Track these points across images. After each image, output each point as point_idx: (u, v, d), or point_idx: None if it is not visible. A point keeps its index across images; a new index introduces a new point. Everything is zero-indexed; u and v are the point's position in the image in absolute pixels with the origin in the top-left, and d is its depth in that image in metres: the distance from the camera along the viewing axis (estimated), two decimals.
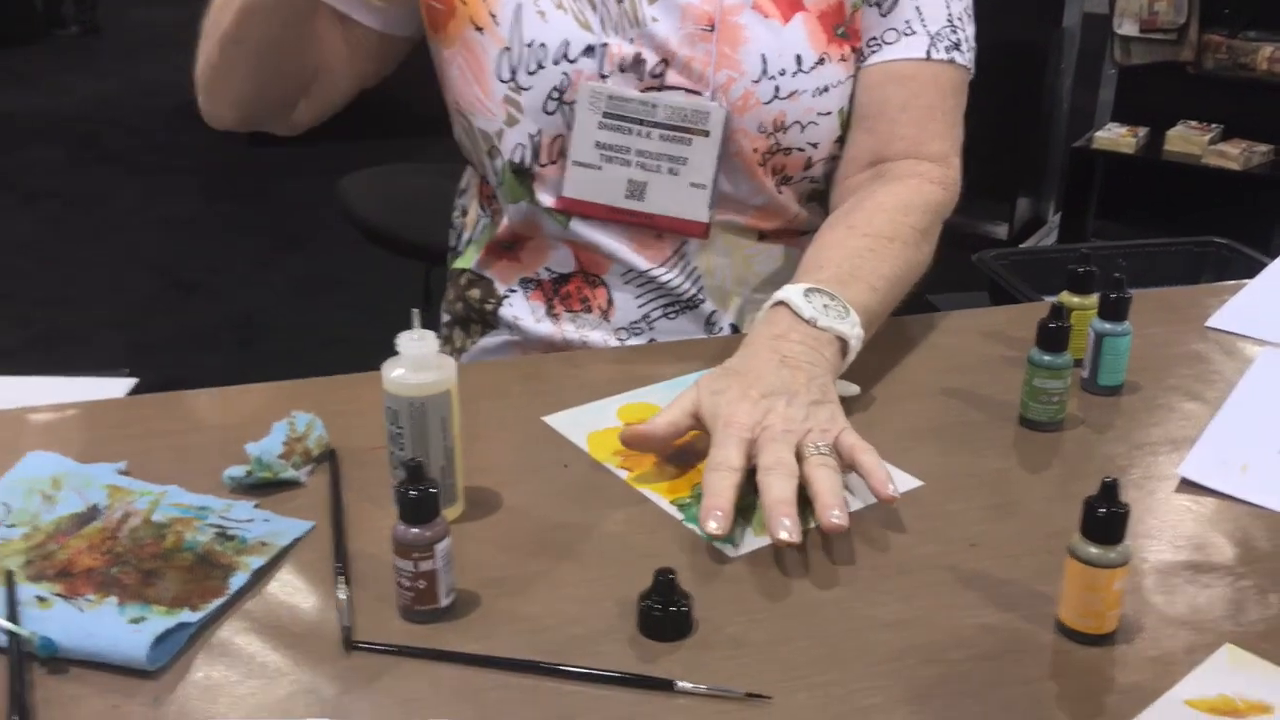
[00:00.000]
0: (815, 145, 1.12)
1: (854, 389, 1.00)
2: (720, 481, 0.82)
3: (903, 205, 1.09)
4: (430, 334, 0.81)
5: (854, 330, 0.96)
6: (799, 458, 0.84)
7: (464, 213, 1.26)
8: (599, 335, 1.16)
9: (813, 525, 0.83)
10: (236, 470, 0.86)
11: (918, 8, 1.12)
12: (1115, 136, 3.64)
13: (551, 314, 1.17)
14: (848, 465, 0.86)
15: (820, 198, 1.18)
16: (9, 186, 4.77)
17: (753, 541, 0.82)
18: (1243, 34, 3.48)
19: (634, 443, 0.90)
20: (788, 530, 0.78)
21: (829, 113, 1.11)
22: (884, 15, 1.12)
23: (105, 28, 7.19)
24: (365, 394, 0.98)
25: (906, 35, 1.12)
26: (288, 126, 1.18)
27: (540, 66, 1.08)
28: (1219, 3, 3.47)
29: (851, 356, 0.97)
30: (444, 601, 0.74)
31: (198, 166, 4.87)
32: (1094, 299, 1.02)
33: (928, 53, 1.12)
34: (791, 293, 0.96)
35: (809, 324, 0.94)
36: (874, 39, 1.12)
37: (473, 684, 0.69)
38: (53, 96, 5.60)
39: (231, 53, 1.07)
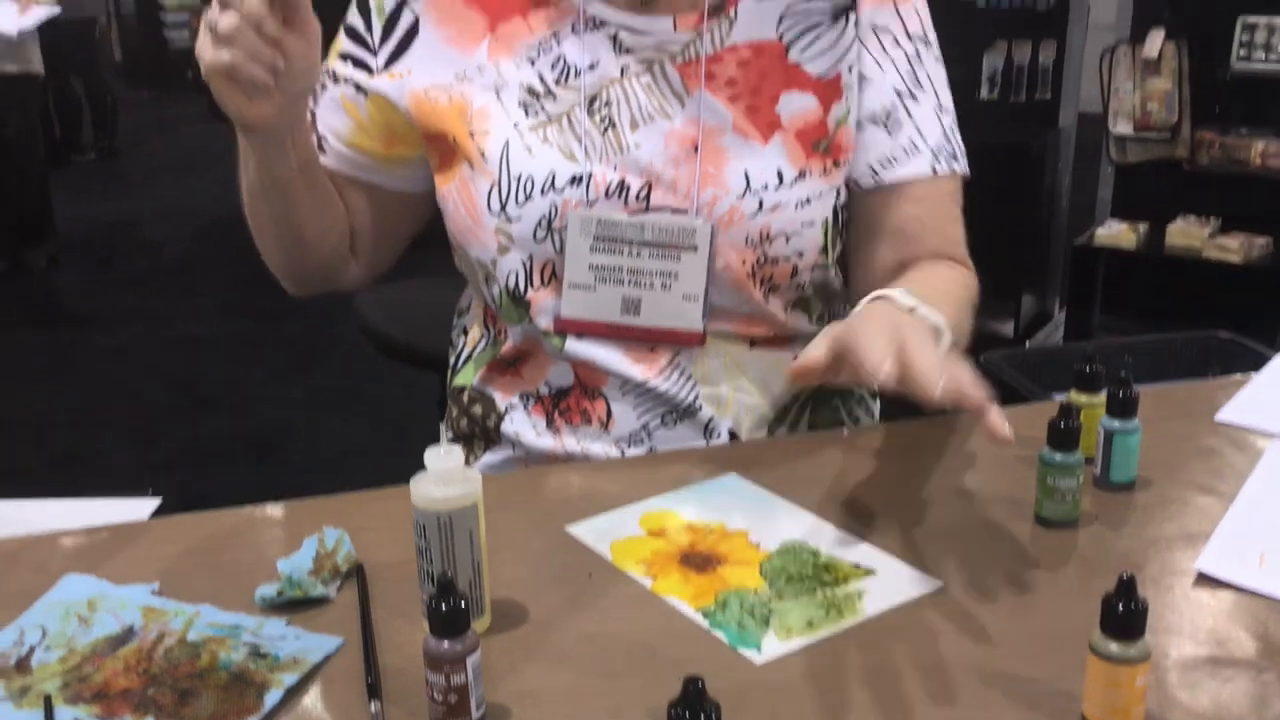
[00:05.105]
0: (801, 255, 1.15)
1: None
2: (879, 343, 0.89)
3: (949, 275, 1.18)
4: (456, 448, 0.83)
5: (945, 324, 1.01)
6: None
7: (464, 332, 1.29)
8: (600, 447, 1.17)
9: (835, 630, 0.84)
10: (268, 589, 0.88)
11: (917, 128, 1.17)
12: (1116, 233, 3.69)
13: (552, 428, 1.19)
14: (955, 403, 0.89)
15: (805, 305, 1.21)
16: (26, 309, 4.85)
17: (778, 648, 0.83)
18: (1235, 131, 3.55)
19: (801, 376, 0.94)
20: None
21: (813, 223, 1.14)
22: (890, 135, 1.17)
23: (123, 153, 7.36)
24: (390, 509, 1.00)
25: (911, 154, 1.17)
26: (348, 284, 1.26)
27: (528, 198, 1.12)
28: (1209, 101, 3.55)
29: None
30: (475, 715, 0.74)
31: (214, 287, 4.95)
32: (1102, 397, 1.04)
33: (933, 169, 1.18)
34: (888, 291, 1.02)
35: (910, 312, 0.99)
36: (887, 158, 1.17)
37: None
38: (71, 220, 5.72)
39: (253, 227, 1.18)
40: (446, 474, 0.82)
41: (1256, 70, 3.45)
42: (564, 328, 1.15)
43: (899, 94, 1.17)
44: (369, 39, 1.18)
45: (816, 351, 0.93)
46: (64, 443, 3.56)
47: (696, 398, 1.16)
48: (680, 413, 1.16)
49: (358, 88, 1.18)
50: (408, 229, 1.27)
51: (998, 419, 0.87)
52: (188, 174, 6.64)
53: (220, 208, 5.92)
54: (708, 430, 1.17)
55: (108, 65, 8.28)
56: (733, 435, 1.18)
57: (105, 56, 8.32)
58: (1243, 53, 3.45)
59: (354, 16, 1.19)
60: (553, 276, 1.14)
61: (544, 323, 1.16)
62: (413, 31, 1.16)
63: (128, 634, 0.84)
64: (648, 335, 1.15)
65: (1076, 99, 3.91)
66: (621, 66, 1.13)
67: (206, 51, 0.96)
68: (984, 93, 3.89)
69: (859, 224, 1.20)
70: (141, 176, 6.94)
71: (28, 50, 4.97)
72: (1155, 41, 3.51)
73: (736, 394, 1.18)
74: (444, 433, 1.31)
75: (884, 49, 1.16)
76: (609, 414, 1.16)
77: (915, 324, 0.96)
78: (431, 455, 0.82)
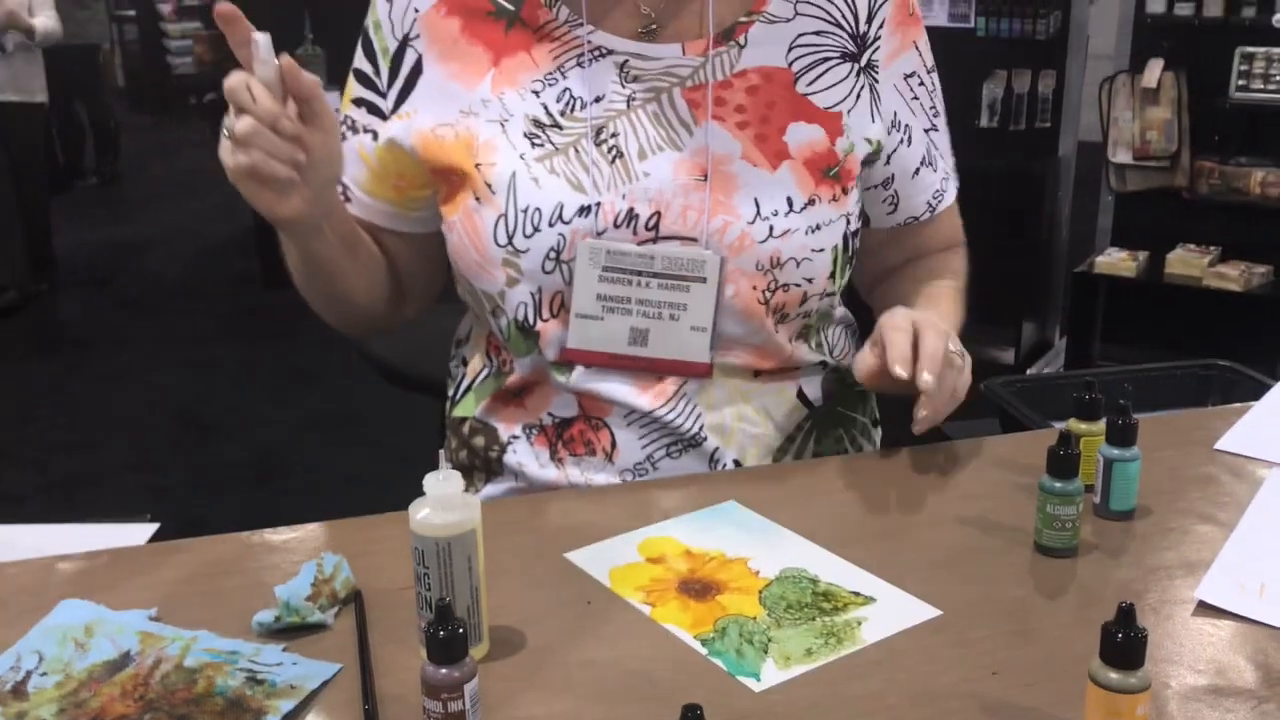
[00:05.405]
0: (811, 281, 1.15)
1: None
2: (902, 340, 1.07)
3: (945, 270, 1.32)
4: (456, 474, 0.83)
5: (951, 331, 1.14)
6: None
7: (464, 362, 1.28)
8: (603, 478, 1.17)
9: (834, 658, 0.84)
10: (265, 615, 0.88)
11: (940, 155, 1.28)
12: (1116, 260, 3.70)
13: (555, 459, 1.18)
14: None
15: (807, 334, 1.21)
16: (26, 333, 4.86)
17: (777, 675, 0.83)
18: (1234, 160, 3.57)
19: (870, 381, 1.11)
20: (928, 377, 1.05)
21: (822, 249, 1.15)
22: (936, 171, 1.27)
23: (125, 177, 7.38)
24: (390, 535, 1.00)
25: (948, 182, 1.30)
26: (403, 319, 1.30)
27: (536, 230, 1.11)
28: (1208, 131, 3.57)
29: None
30: None
31: (214, 309, 4.96)
32: (1102, 425, 1.04)
33: (956, 189, 1.32)
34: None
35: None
36: (938, 191, 1.28)
37: None
38: (72, 244, 5.74)
39: (305, 296, 1.21)
40: (445, 500, 0.82)
41: (1255, 100, 3.47)
42: (570, 358, 1.14)
43: (927, 131, 1.25)
44: (378, 82, 1.18)
45: (865, 356, 1.11)
46: (62, 467, 3.56)
47: (701, 428, 1.16)
48: (685, 443, 1.16)
49: (374, 137, 1.18)
50: (446, 258, 1.26)
51: (920, 421, 1.05)
52: (189, 198, 6.66)
53: (221, 231, 5.94)
54: (713, 461, 1.17)
55: (111, 90, 8.33)
56: (737, 464, 1.18)
57: (108, 82, 8.37)
58: (1241, 83, 3.47)
59: (361, 61, 1.20)
60: (562, 307, 1.14)
61: (552, 354, 1.15)
62: (416, 70, 1.16)
63: (124, 659, 0.84)
64: (654, 366, 1.14)
65: (1076, 128, 3.93)
66: (628, 97, 1.13)
67: (228, 156, 0.97)
68: (984, 121, 3.90)
69: (895, 240, 1.30)
70: (143, 200, 6.96)
71: (31, 79, 4.99)
72: (1154, 71, 3.53)
73: (741, 424, 1.17)
74: (444, 462, 1.30)
75: (914, 94, 1.23)
76: (613, 444, 1.16)
77: (932, 323, 1.10)
78: (431, 481, 0.82)
